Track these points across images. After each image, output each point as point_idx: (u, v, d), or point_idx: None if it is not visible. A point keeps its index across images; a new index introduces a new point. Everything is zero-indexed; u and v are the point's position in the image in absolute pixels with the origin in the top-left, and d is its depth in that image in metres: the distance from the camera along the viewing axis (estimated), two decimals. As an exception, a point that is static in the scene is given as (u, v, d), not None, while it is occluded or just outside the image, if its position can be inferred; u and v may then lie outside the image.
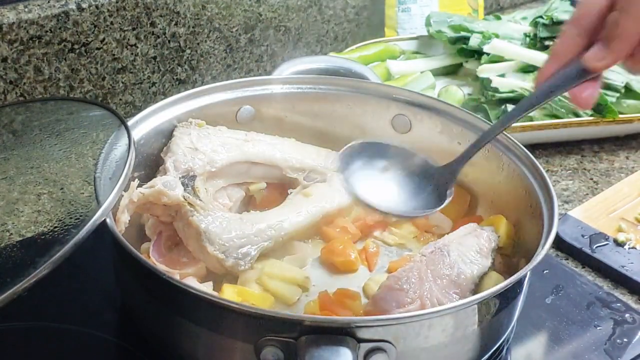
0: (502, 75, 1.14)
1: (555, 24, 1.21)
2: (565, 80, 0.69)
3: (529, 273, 0.70)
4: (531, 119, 1.08)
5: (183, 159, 0.82)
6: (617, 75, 1.12)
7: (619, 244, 0.90)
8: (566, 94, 0.71)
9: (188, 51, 1.15)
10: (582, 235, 0.91)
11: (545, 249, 0.69)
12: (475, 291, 0.75)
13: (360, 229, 0.87)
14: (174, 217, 0.79)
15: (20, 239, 0.70)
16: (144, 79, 1.12)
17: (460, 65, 1.23)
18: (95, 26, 1.04)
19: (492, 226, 0.82)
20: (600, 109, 1.08)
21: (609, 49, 0.66)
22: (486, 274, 0.78)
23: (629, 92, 1.12)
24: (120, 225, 0.73)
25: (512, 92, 1.10)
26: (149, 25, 1.09)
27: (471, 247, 0.78)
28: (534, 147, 0.84)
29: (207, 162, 0.84)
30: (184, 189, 0.79)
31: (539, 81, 0.71)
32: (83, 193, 0.70)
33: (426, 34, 1.26)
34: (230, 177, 0.87)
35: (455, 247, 0.77)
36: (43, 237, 0.65)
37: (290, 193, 0.88)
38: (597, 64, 0.67)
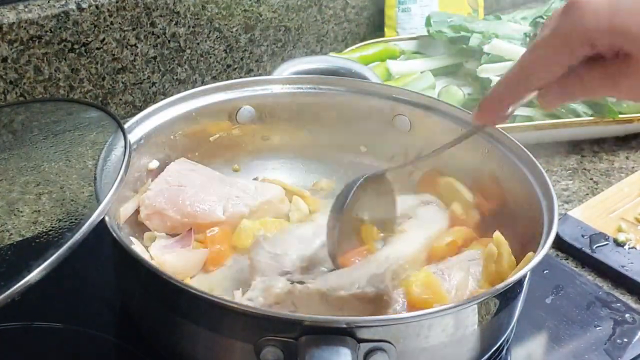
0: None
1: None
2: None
3: (529, 273, 0.70)
4: (531, 119, 1.08)
5: (271, 271, 0.75)
6: (617, 75, 1.12)
7: (619, 244, 0.90)
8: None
9: (188, 51, 1.15)
10: (582, 235, 0.91)
11: (545, 249, 0.69)
12: None
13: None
14: (295, 305, 0.72)
15: (21, 239, 0.70)
16: (144, 79, 1.12)
17: (460, 65, 1.23)
18: (95, 26, 1.04)
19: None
20: (600, 109, 1.08)
21: (567, 94, 0.62)
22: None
23: (629, 92, 1.12)
24: None
25: (512, 92, 1.10)
26: (149, 25, 1.09)
27: (474, 275, 0.77)
28: (534, 147, 0.84)
29: (296, 259, 0.77)
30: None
31: (478, 120, 0.69)
32: (83, 192, 0.70)
33: (426, 34, 1.26)
34: None
35: (456, 273, 0.76)
36: (43, 237, 0.64)
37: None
38: (550, 106, 0.63)
